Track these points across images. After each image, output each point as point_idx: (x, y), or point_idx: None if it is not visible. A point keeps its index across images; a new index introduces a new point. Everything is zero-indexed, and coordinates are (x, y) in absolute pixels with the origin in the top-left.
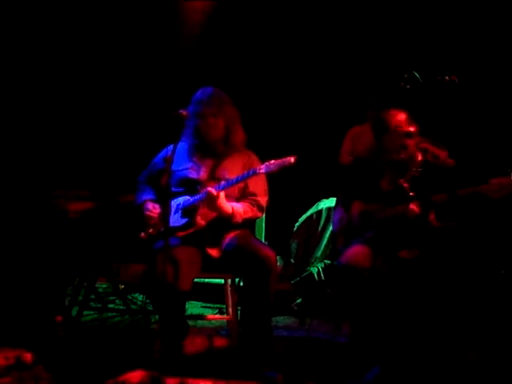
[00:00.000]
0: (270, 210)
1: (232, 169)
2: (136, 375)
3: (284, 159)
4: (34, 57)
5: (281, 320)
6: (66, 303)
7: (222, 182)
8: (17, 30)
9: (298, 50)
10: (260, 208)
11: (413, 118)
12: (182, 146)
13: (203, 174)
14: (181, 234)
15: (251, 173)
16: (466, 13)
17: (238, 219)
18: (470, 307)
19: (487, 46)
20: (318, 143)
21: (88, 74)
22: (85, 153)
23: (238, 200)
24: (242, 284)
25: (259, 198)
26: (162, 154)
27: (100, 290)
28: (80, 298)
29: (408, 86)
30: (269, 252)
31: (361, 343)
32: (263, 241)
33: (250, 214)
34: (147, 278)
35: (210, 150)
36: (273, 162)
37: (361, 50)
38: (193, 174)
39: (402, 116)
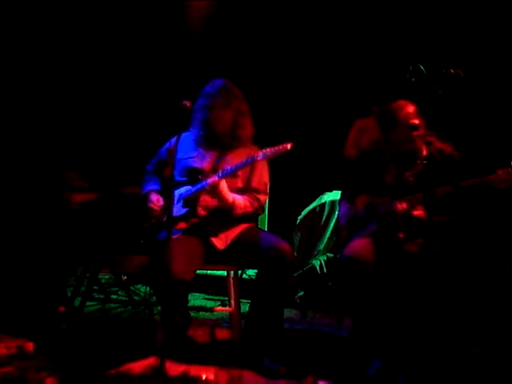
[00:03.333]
0: (273, 203)
1: (235, 161)
2: (138, 365)
3: (280, 146)
4: (39, 46)
5: None
6: (69, 294)
7: (220, 171)
8: (21, 20)
9: (304, 42)
10: (261, 207)
11: (421, 111)
12: (190, 135)
13: (207, 165)
14: (183, 225)
15: (250, 160)
16: (471, 5)
17: (238, 211)
18: (474, 302)
19: (492, 39)
20: (321, 136)
21: (92, 67)
22: (88, 144)
23: (240, 193)
24: (254, 277)
25: (260, 197)
26: (169, 143)
27: (103, 281)
28: (83, 288)
29: (413, 79)
30: (286, 246)
31: (362, 336)
32: None
33: (249, 209)
34: (150, 268)
35: (217, 142)
36: (269, 149)
37: (366, 43)
38: (197, 164)
39: (410, 108)
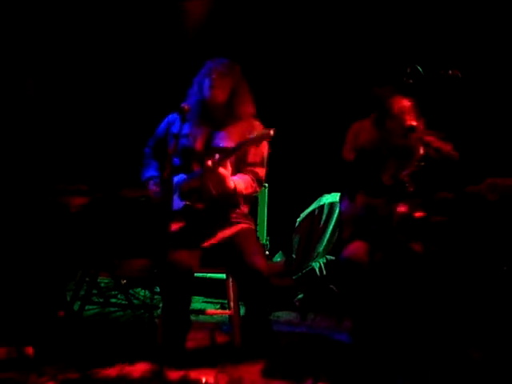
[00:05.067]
0: (273, 205)
1: (228, 137)
2: (138, 369)
3: (263, 132)
4: (34, 48)
5: (282, 315)
6: (68, 298)
7: (217, 156)
8: (16, 21)
9: (302, 46)
10: (259, 182)
11: (417, 106)
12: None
13: (199, 144)
14: (180, 221)
15: (238, 147)
16: (468, 6)
17: (239, 196)
18: (473, 304)
19: (491, 40)
20: (320, 138)
21: (87, 67)
22: (86, 146)
23: (236, 170)
24: None
25: (258, 170)
26: (166, 121)
27: (102, 285)
28: (82, 292)
29: (411, 81)
30: (262, 264)
31: (362, 338)
32: (265, 236)
33: (250, 190)
34: (157, 264)
35: (210, 117)
36: (252, 136)
37: (363, 44)
38: (189, 142)
39: (406, 102)
